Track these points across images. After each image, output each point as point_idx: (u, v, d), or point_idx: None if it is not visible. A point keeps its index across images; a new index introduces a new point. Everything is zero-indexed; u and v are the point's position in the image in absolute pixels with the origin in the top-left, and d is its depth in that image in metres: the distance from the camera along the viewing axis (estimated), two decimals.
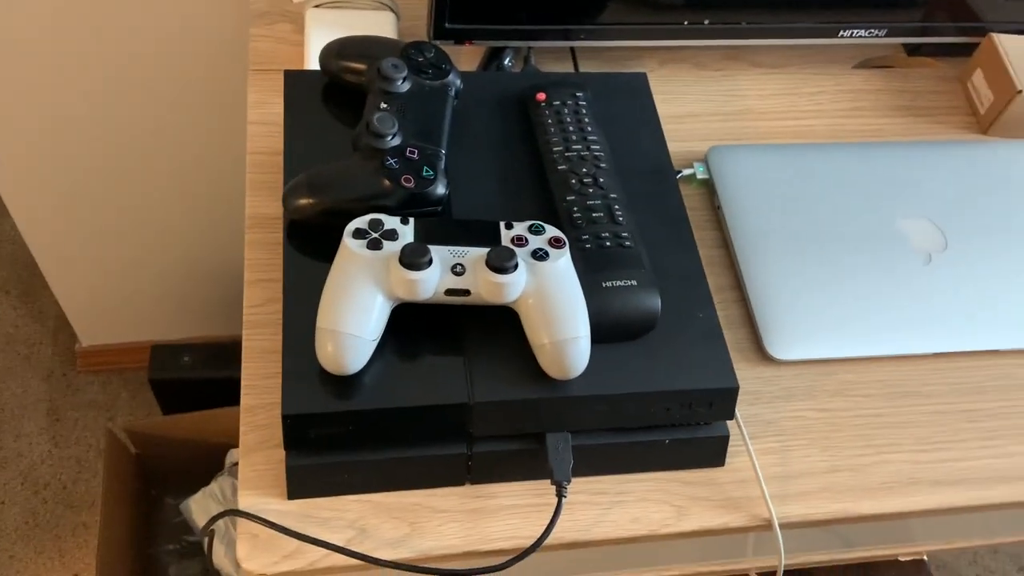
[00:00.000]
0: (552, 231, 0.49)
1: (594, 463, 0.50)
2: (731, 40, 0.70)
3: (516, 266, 0.45)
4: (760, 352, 0.57)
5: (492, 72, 0.68)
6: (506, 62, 0.69)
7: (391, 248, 0.46)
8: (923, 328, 0.59)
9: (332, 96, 0.57)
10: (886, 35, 0.71)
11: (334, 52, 0.56)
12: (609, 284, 0.49)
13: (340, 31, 0.60)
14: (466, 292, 0.46)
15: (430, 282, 0.45)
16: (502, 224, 0.49)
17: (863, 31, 0.70)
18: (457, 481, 0.49)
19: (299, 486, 0.48)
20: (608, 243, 0.51)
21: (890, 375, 0.57)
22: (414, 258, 0.44)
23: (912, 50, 0.78)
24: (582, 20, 0.67)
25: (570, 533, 0.49)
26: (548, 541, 0.47)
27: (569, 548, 0.49)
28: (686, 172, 0.65)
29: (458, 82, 0.56)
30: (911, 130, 0.72)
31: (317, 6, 0.68)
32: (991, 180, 0.67)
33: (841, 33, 0.70)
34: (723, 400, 0.49)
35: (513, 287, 0.45)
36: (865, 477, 0.53)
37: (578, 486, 0.50)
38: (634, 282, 0.49)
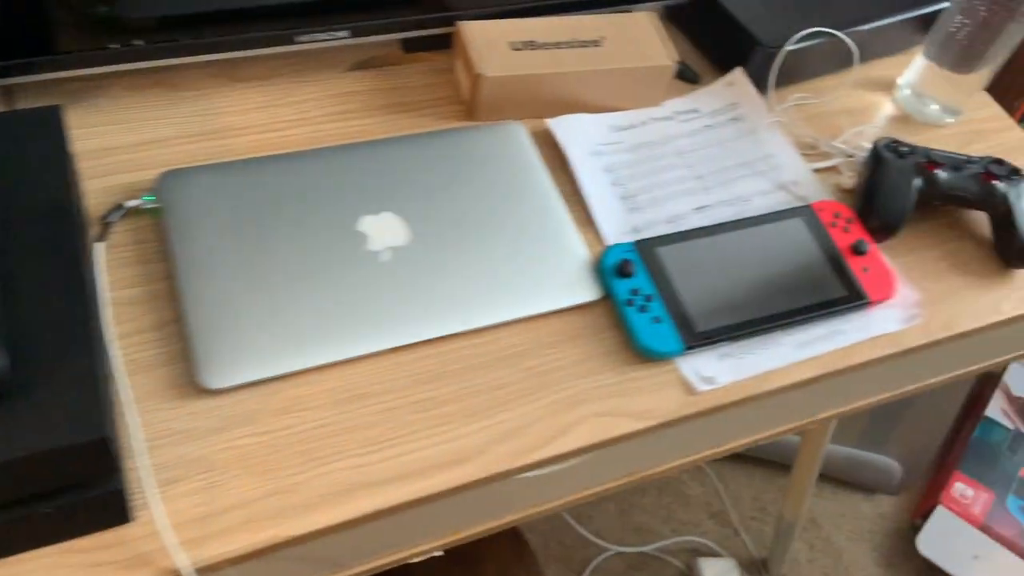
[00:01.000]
0: None
1: None
2: (170, 59, 0.66)
3: None
4: (195, 386, 0.53)
5: None
6: None
7: None
8: (379, 326, 0.58)
9: None
10: (350, 36, 0.71)
11: None
12: None
13: None
14: None
15: None
16: None
17: (322, 34, 0.69)
18: None
19: None
20: None
21: (342, 381, 0.56)
22: None
23: (408, 47, 0.79)
24: None
25: None
26: None
27: None
28: (132, 203, 0.61)
29: None
30: (399, 125, 0.72)
31: None
32: (460, 165, 0.67)
33: (297, 39, 0.69)
34: (95, 455, 0.45)
35: None
36: (302, 495, 0.51)
37: None
38: None
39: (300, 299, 0.57)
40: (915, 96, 0.83)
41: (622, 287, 0.63)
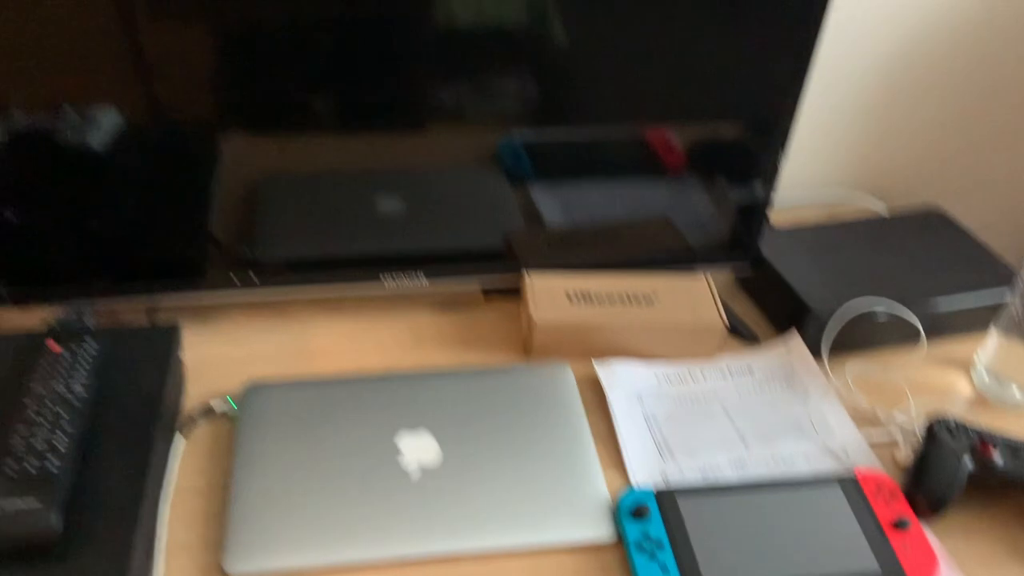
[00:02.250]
0: None
1: None
2: (281, 293, 0.80)
3: None
4: (220, 571, 0.60)
5: (15, 335, 0.72)
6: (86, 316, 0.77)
7: None
8: (393, 536, 0.63)
9: None
10: (429, 281, 0.82)
11: None
12: (11, 505, 0.53)
13: None
14: None
15: None
16: None
17: (405, 280, 0.82)
18: None
19: None
20: (33, 470, 0.56)
21: None
22: None
23: (488, 293, 0.89)
24: (141, 279, 0.77)
25: None
26: None
27: None
28: (217, 406, 0.72)
29: None
30: (464, 360, 0.81)
31: None
32: (503, 398, 0.74)
33: (384, 280, 0.81)
34: None
35: None
36: None
37: None
38: (39, 504, 0.54)
39: (329, 503, 0.64)
40: (993, 378, 0.81)
41: (634, 529, 0.64)
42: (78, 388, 0.62)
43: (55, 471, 0.56)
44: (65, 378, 0.63)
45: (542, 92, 0.74)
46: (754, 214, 0.85)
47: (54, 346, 0.66)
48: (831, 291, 0.83)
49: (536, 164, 0.78)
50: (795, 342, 0.83)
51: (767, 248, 0.88)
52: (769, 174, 0.82)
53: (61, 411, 0.60)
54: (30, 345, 0.66)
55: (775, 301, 0.87)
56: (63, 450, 0.57)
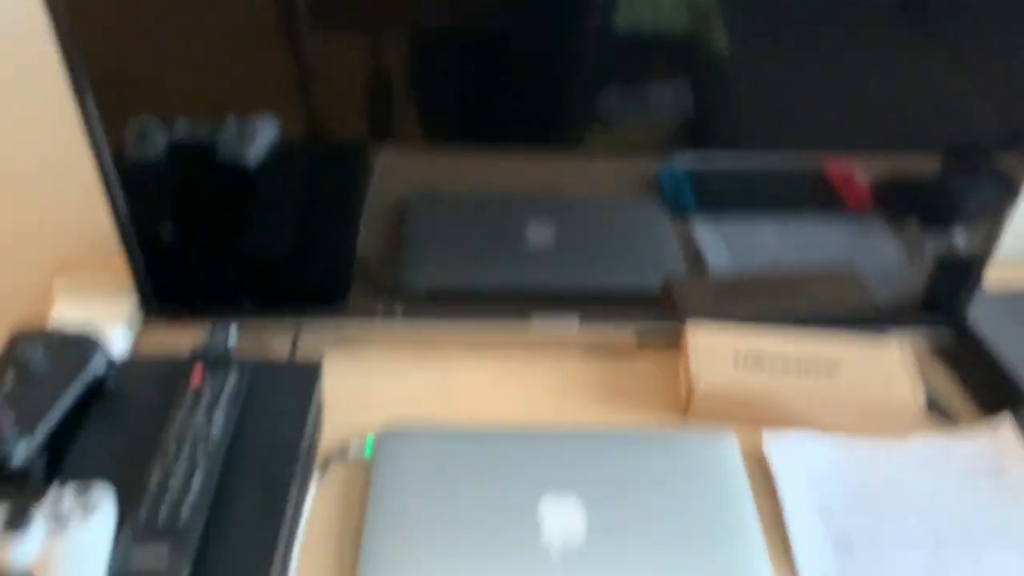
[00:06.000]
0: (96, 496, 0.52)
1: None
2: (427, 326, 0.76)
3: (23, 530, 0.48)
4: None
5: (162, 359, 0.70)
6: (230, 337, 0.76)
7: None
8: None
9: None
10: (579, 322, 0.76)
11: (11, 338, 0.65)
12: (140, 554, 0.51)
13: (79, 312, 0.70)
14: None
15: None
16: (52, 490, 0.52)
17: (554, 320, 0.75)
18: None
19: None
20: (163, 512, 0.53)
21: None
22: None
23: (642, 341, 0.82)
24: (288, 303, 0.74)
25: None
26: None
27: None
28: (352, 453, 0.68)
29: (100, 368, 0.63)
30: (613, 413, 0.74)
31: (69, 290, 0.78)
32: (658, 469, 0.66)
33: (534, 320, 0.75)
34: None
35: (17, 556, 0.48)
36: None
37: None
38: (165, 552, 0.51)
39: (463, 573, 0.58)
40: None
41: None
42: (218, 426, 0.60)
43: (188, 520, 0.53)
44: (206, 416, 0.61)
45: (704, 107, 0.65)
46: (964, 270, 0.73)
47: (197, 379, 0.64)
48: None
49: (699, 195, 0.70)
50: (1006, 431, 0.70)
51: (976, 313, 0.75)
52: (993, 223, 0.70)
53: (199, 451, 0.58)
54: (174, 374, 0.64)
55: (982, 379, 0.74)
56: (198, 495, 0.55)
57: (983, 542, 0.64)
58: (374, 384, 0.76)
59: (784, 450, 0.69)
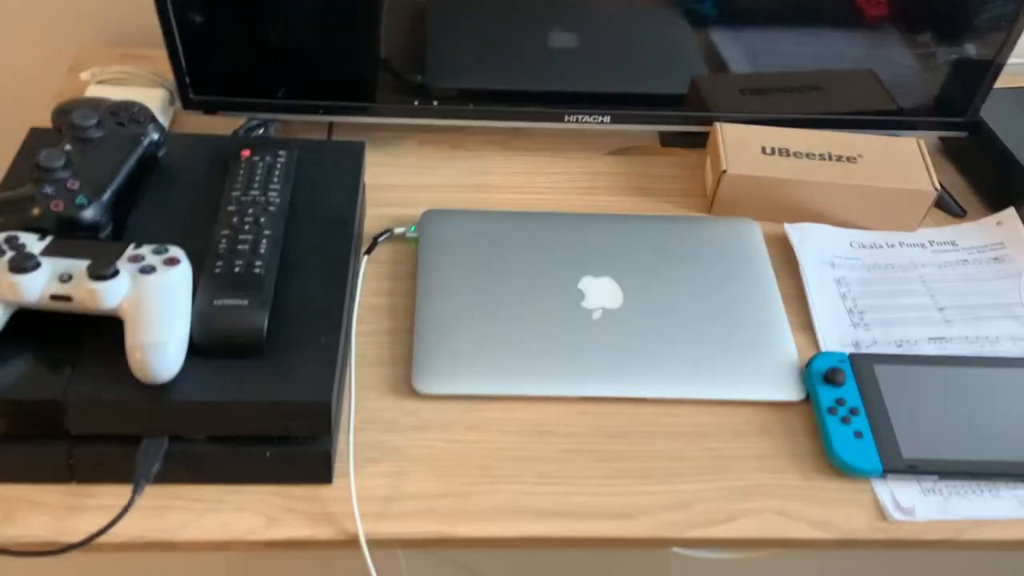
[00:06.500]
0: (174, 252, 0.54)
1: (195, 471, 0.54)
2: (458, 120, 0.77)
3: (113, 275, 0.51)
4: (409, 387, 0.60)
5: (212, 135, 0.72)
6: (270, 130, 0.77)
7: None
8: (577, 375, 0.61)
9: None
10: (611, 122, 0.78)
11: (58, 110, 0.65)
12: (220, 303, 0.54)
13: None
14: (68, 298, 0.51)
15: (33, 287, 0.51)
16: (131, 245, 0.54)
17: (588, 117, 0.77)
18: (61, 479, 0.53)
19: None
20: (238, 269, 0.56)
21: (533, 415, 0.60)
22: (19, 264, 0.50)
23: (666, 142, 0.84)
24: (319, 96, 0.75)
25: (155, 533, 0.52)
26: (129, 539, 0.50)
27: (153, 549, 0.52)
28: (399, 230, 0.71)
29: (155, 135, 0.63)
30: (640, 208, 0.77)
31: (100, 82, 0.78)
32: (687, 249, 0.70)
33: (566, 118, 0.77)
34: (317, 415, 0.53)
35: (107, 294, 0.51)
36: (472, 504, 0.55)
37: (178, 492, 0.54)
38: (245, 302, 0.54)
39: (513, 335, 0.63)
40: None
41: (827, 394, 0.61)
42: (275, 196, 0.62)
43: (263, 276, 0.56)
44: (263, 186, 0.62)
45: None
46: (979, 74, 0.75)
47: (248, 154, 0.65)
48: None
49: (720, 3, 0.71)
50: (1010, 219, 0.75)
51: (988, 111, 0.79)
52: (1007, 34, 0.72)
53: (262, 219, 0.60)
54: (223, 150, 0.65)
55: (990, 173, 0.79)
56: (267, 257, 0.57)
57: (984, 314, 0.69)
58: (408, 177, 0.78)
59: (804, 236, 0.73)
